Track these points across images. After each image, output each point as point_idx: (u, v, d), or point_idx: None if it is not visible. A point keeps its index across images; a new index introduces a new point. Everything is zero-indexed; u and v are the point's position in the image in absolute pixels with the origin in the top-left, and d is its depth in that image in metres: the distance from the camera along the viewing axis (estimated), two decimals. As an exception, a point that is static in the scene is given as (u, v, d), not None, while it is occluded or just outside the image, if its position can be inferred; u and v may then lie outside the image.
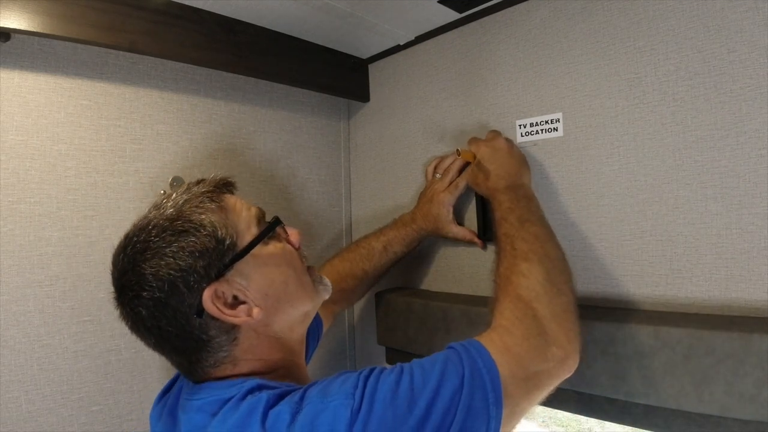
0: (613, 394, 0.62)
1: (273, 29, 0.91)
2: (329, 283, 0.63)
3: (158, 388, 0.81)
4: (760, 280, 0.59)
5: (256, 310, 0.52)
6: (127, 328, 0.53)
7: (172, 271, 0.49)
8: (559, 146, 0.77)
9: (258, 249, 0.54)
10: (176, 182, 0.85)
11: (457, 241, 0.88)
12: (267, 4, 0.81)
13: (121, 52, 0.79)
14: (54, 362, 0.72)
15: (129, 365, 0.79)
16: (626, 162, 0.70)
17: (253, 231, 0.55)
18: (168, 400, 0.61)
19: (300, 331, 0.60)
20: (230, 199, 0.57)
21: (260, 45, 0.89)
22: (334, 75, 1.03)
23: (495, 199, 0.71)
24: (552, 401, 0.69)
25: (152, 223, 0.51)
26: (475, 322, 0.76)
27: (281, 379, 0.53)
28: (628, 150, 0.70)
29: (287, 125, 1.03)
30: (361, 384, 0.45)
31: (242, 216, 0.56)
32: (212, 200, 0.54)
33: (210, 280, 0.50)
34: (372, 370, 0.47)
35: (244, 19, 0.86)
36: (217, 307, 0.50)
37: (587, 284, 0.73)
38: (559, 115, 0.77)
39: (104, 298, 0.77)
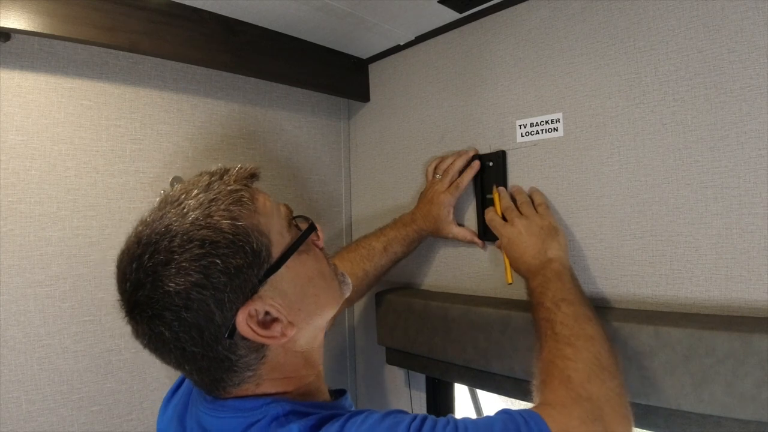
0: (613, 394, 0.61)
1: (273, 29, 0.91)
2: (349, 281, 0.60)
3: (158, 388, 0.82)
4: (760, 280, 0.59)
5: (290, 329, 0.48)
6: (134, 338, 0.48)
7: (203, 290, 0.43)
8: (559, 146, 0.77)
9: (292, 259, 0.49)
10: (176, 182, 0.85)
11: (457, 241, 0.88)
12: (267, 4, 0.81)
13: (121, 52, 0.79)
14: (54, 362, 0.72)
15: (129, 365, 0.79)
16: (626, 162, 0.70)
17: (285, 237, 0.50)
18: (175, 402, 0.59)
19: (321, 339, 0.56)
20: (260, 199, 0.50)
21: (260, 45, 0.89)
22: (334, 75, 1.03)
23: (528, 287, 0.68)
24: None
25: (174, 229, 0.44)
26: (475, 322, 0.76)
27: (303, 396, 0.51)
28: (628, 150, 0.70)
29: (287, 125, 1.03)
30: None
31: (274, 219, 0.50)
32: (242, 202, 0.47)
33: (245, 299, 0.45)
34: (424, 420, 0.44)
35: (244, 19, 0.86)
36: (252, 328, 0.45)
37: (587, 284, 0.73)
38: (559, 115, 0.77)
39: (104, 298, 0.77)
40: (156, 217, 0.47)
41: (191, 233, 0.44)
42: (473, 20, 0.88)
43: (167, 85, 0.86)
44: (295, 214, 0.55)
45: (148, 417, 0.81)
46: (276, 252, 0.48)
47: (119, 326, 0.78)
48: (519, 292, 0.82)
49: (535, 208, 0.75)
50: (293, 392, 0.51)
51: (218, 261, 0.43)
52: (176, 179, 0.85)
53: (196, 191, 0.47)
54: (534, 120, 0.80)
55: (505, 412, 0.47)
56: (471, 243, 0.86)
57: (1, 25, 0.64)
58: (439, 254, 0.95)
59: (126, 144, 0.81)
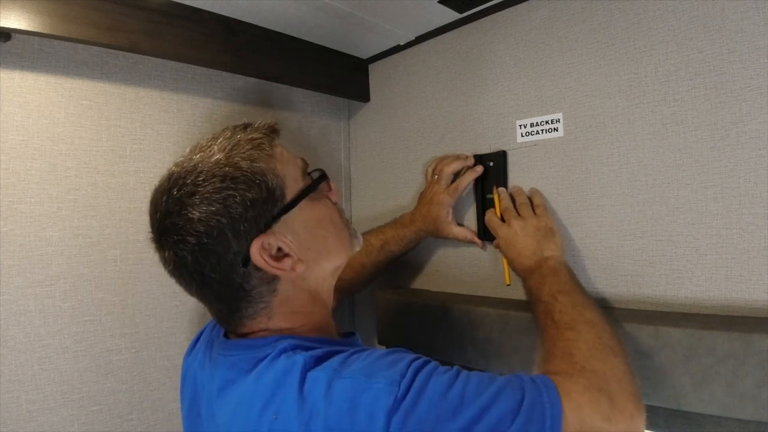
0: (613, 394, 0.61)
1: (273, 29, 0.91)
2: (361, 238, 0.64)
3: (158, 388, 0.82)
4: (760, 280, 0.59)
5: (299, 264, 0.53)
6: (161, 264, 0.54)
7: (222, 219, 0.48)
8: (559, 146, 0.77)
9: (304, 202, 0.54)
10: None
11: (457, 241, 0.88)
12: (267, 4, 0.81)
13: (121, 52, 0.79)
14: (54, 362, 0.72)
15: (129, 365, 0.80)
16: (626, 162, 0.70)
17: (299, 183, 0.55)
18: (199, 352, 0.63)
19: (330, 283, 0.60)
20: (277, 147, 0.56)
21: (260, 45, 0.89)
22: (334, 75, 1.03)
23: (525, 287, 0.70)
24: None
25: (199, 167, 0.50)
26: (475, 322, 0.76)
27: (312, 332, 0.54)
28: (628, 150, 0.70)
29: (287, 125, 1.03)
30: (410, 374, 0.43)
31: (289, 166, 0.55)
32: (261, 148, 0.53)
33: (259, 231, 0.50)
34: (425, 362, 0.46)
35: (244, 19, 0.86)
36: (264, 259, 0.50)
37: (587, 284, 0.73)
38: (559, 115, 0.77)
39: (104, 298, 0.77)
40: (185, 159, 0.53)
41: (214, 170, 0.50)
42: (473, 20, 0.88)
43: (167, 85, 0.86)
44: (310, 169, 0.60)
45: (148, 417, 0.81)
46: (290, 194, 0.53)
47: (119, 326, 0.79)
48: (518, 292, 0.82)
49: (533, 209, 0.76)
50: (303, 327, 0.55)
51: (236, 194, 0.49)
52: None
53: (221, 139, 0.53)
54: (534, 120, 0.80)
55: (515, 375, 0.47)
56: (471, 243, 0.86)
57: (1, 25, 0.64)
58: (439, 254, 0.95)
59: (126, 144, 0.81)
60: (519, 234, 0.72)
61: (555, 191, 0.78)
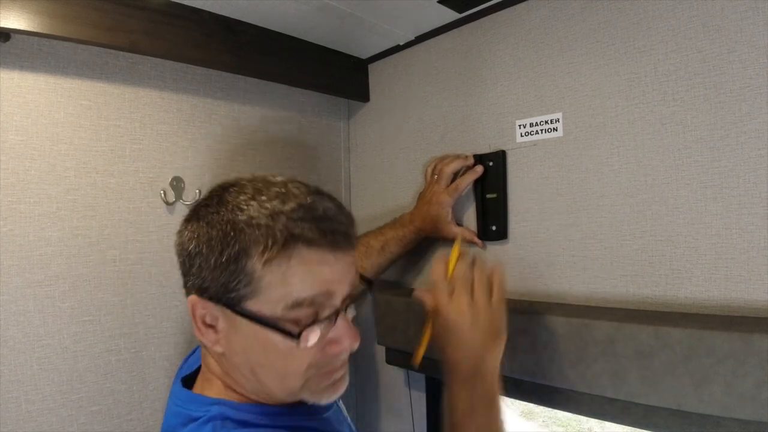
0: (613, 394, 0.61)
1: (273, 29, 0.91)
2: (329, 397, 0.50)
3: (158, 388, 0.82)
4: (760, 280, 0.59)
5: (218, 347, 0.48)
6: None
7: (188, 255, 0.48)
8: (559, 146, 0.77)
9: (265, 329, 0.45)
10: (176, 182, 0.85)
11: (457, 241, 0.88)
12: (267, 4, 0.81)
13: (121, 52, 0.79)
14: (54, 362, 0.72)
15: (129, 365, 0.79)
16: (626, 162, 0.70)
17: (280, 310, 0.45)
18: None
19: (270, 393, 0.50)
20: (299, 255, 0.45)
21: (260, 45, 0.89)
22: (334, 75, 1.03)
23: (449, 387, 0.58)
24: (552, 401, 0.69)
25: (224, 209, 0.46)
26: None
27: (254, 396, 0.50)
28: (628, 150, 0.70)
29: (287, 125, 1.03)
30: None
31: (287, 287, 0.44)
32: (271, 249, 0.44)
33: (201, 295, 0.47)
34: None
35: (244, 19, 0.86)
36: (195, 314, 0.48)
37: (587, 284, 0.73)
38: (559, 115, 0.77)
39: (104, 298, 0.77)
40: (238, 189, 0.49)
41: (219, 222, 0.46)
42: (473, 20, 0.88)
43: (167, 85, 0.86)
44: (350, 308, 0.50)
45: (147, 417, 0.81)
46: (253, 304, 0.45)
47: (119, 326, 0.79)
48: (518, 293, 0.82)
49: (491, 294, 0.61)
50: (243, 388, 0.50)
51: (205, 255, 0.46)
52: (176, 179, 0.85)
53: (269, 206, 0.46)
54: (534, 120, 0.80)
55: None
56: (471, 243, 0.86)
57: (1, 25, 0.64)
58: (439, 254, 0.95)
59: (126, 144, 0.81)
60: (467, 323, 0.58)
61: (555, 191, 0.78)
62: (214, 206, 0.48)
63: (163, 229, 0.84)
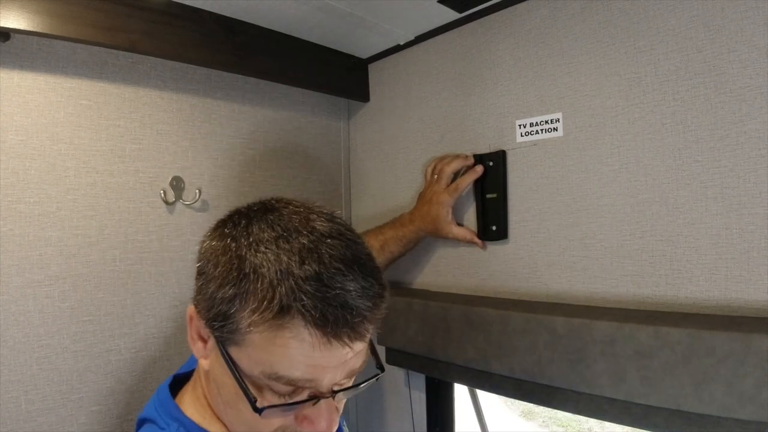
0: (613, 394, 0.61)
1: (273, 29, 0.91)
2: None
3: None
4: (760, 280, 0.59)
5: (204, 362, 0.48)
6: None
7: (200, 267, 0.46)
8: (559, 146, 0.77)
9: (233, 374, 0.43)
10: (176, 182, 0.85)
11: (457, 241, 0.88)
12: (267, 4, 0.81)
13: (121, 52, 0.79)
14: (53, 362, 0.72)
15: (129, 365, 0.79)
16: (626, 162, 0.70)
17: (256, 372, 0.42)
18: None
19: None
20: (293, 333, 0.40)
21: (260, 45, 0.89)
22: (334, 75, 1.03)
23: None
24: (552, 401, 0.69)
25: (246, 239, 0.43)
26: (475, 322, 0.76)
27: (216, 421, 0.48)
28: (628, 150, 0.70)
29: (287, 125, 1.03)
30: None
31: (269, 358, 0.41)
32: (264, 312, 0.40)
33: (198, 311, 0.46)
34: None
35: (244, 19, 0.86)
36: (192, 322, 0.47)
37: (587, 284, 0.73)
38: (559, 115, 0.77)
39: (104, 298, 0.77)
40: (267, 221, 0.44)
41: (235, 252, 0.42)
42: (473, 20, 0.88)
43: (167, 85, 0.86)
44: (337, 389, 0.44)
45: (147, 417, 0.81)
46: (235, 352, 0.42)
47: (119, 326, 0.79)
48: (518, 293, 0.82)
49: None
50: (209, 411, 0.49)
51: (207, 280, 0.44)
52: (176, 179, 0.85)
53: (287, 261, 0.40)
54: (534, 120, 0.80)
55: None
56: (471, 243, 0.86)
57: (1, 25, 0.64)
58: (439, 254, 0.95)
59: (126, 144, 0.81)
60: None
61: (555, 191, 0.78)
62: (241, 229, 0.44)
63: (163, 229, 0.84)
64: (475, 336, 0.76)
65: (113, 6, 0.72)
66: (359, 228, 0.68)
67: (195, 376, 0.54)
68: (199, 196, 0.86)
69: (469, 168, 0.85)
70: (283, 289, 0.39)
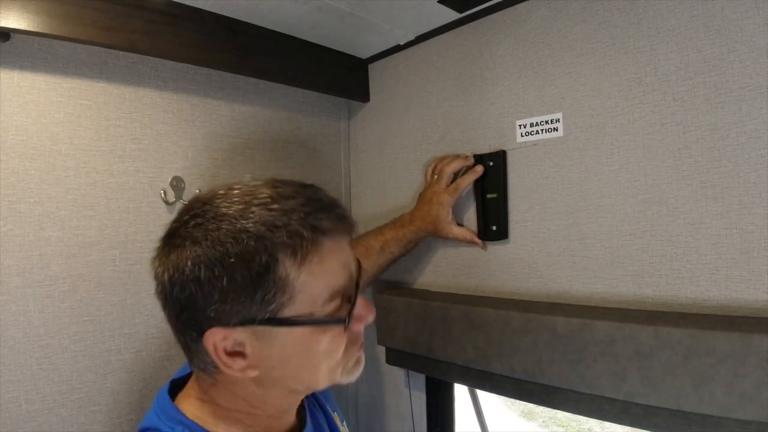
0: (613, 394, 0.61)
1: (273, 29, 0.91)
2: (358, 372, 0.52)
3: (158, 388, 0.81)
4: (760, 280, 0.59)
5: (250, 371, 0.45)
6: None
7: (197, 290, 0.42)
8: (559, 146, 0.77)
9: (306, 329, 0.45)
10: (176, 182, 0.85)
11: (457, 241, 0.88)
12: (267, 4, 0.81)
13: (121, 52, 0.79)
14: (54, 362, 0.72)
15: (129, 365, 0.79)
16: (626, 162, 0.70)
17: (315, 305, 0.44)
18: None
19: (286, 399, 0.52)
20: (321, 252, 0.44)
21: (260, 45, 0.89)
22: (334, 75, 1.03)
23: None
24: (552, 401, 0.70)
25: (225, 222, 0.42)
26: (475, 322, 0.76)
27: (234, 424, 0.49)
28: (628, 150, 0.70)
29: (287, 125, 1.03)
30: None
31: (320, 281, 0.44)
32: (296, 252, 0.42)
33: (224, 325, 0.43)
34: None
35: (244, 19, 0.86)
36: (216, 348, 0.43)
37: (587, 284, 0.73)
38: (559, 115, 0.77)
39: (104, 298, 0.77)
40: (222, 194, 0.45)
41: (228, 237, 0.42)
42: (473, 20, 0.88)
43: (167, 85, 0.86)
44: (360, 287, 0.49)
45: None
46: (290, 311, 0.44)
47: (119, 326, 0.79)
48: (518, 293, 0.82)
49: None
50: (224, 422, 0.49)
51: (224, 280, 0.42)
52: (176, 179, 0.85)
53: (277, 206, 0.43)
54: (534, 120, 0.80)
55: None
56: (471, 243, 0.86)
57: (1, 25, 0.64)
58: (439, 254, 0.95)
59: (126, 144, 0.81)
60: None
61: (555, 191, 0.78)
62: (209, 222, 0.43)
63: (163, 229, 0.84)
64: (475, 336, 0.76)
65: (113, 6, 0.72)
66: (360, 229, 0.68)
67: (197, 386, 0.51)
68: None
69: (470, 168, 0.85)
70: (298, 222, 0.43)
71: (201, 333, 0.44)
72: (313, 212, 0.44)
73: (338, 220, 0.46)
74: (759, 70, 0.59)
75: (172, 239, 0.45)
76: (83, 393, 0.75)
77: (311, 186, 0.48)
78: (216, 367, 0.45)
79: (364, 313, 0.50)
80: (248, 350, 0.45)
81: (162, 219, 0.84)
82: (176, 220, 0.47)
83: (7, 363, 0.68)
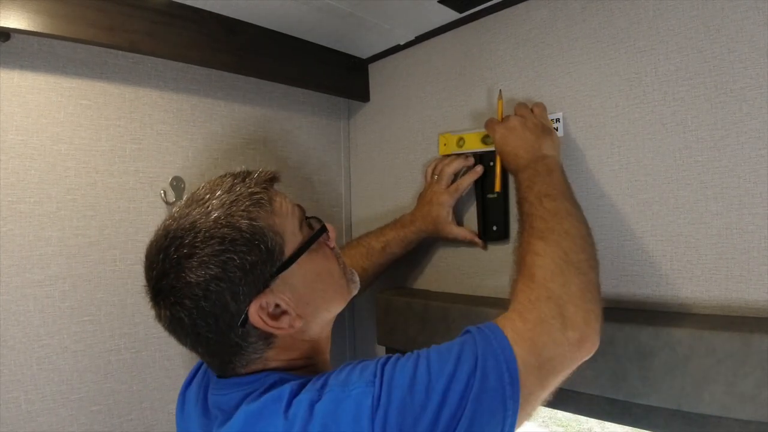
0: (613, 394, 0.61)
1: (273, 29, 0.91)
2: (357, 278, 0.62)
3: (157, 388, 0.82)
4: (760, 280, 0.59)
5: (298, 321, 0.52)
6: (156, 321, 0.53)
7: (220, 283, 0.47)
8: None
9: (303, 257, 0.53)
10: (176, 182, 0.85)
11: (457, 241, 0.88)
12: (267, 4, 0.81)
13: (121, 52, 0.79)
14: (54, 362, 0.72)
15: (129, 365, 0.79)
16: (626, 162, 0.70)
17: (297, 237, 0.54)
18: (195, 389, 0.62)
19: (329, 329, 0.60)
20: (277, 200, 0.54)
21: (260, 45, 0.89)
22: (334, 75, 1.03)
23: (516, 181, 0.69)
24: (552, 401, 0.69)
25: (198, 225, 0.49)
26: (475, 322, 0.75)
27: (305, 374, 0.53)
28: (628, 150, 0.70)
29: (287, 125, 1.03)
30: (379, 371, 0.45)
31: (288, 219, 0.54)
32: (261, 204, 0.51)
33: (257, 292, 0.49)
34: (389, 358, 0.47)
35: (244, 19, 0.86)
36: (262, 319, 0.49)
37: (587, 284, 0.73)
38: (559, 115, 0.77)
39: (104, 298, 0.77)
40: (183, 213, 0.51)
41: (213, 231, 0.48)
42: (473, 20, 0.88)
43: (167, 85, 0.86)
44: (307, 215, 0.59)
45: (147, 417, 0.81)
46: (288, 250, 0.52)
47: (119, 326, 0.79)
48: (519, 292, 0.81)
49: (531, 110, 0.75)
50: (297, 371, 0.54)
51: (235, 257, 0.48)
52: (176, 179, 0.85)
53: (219, 192, 0.51)
54: (534, 120, 0.80)
55: (465, 330, 0.51)
56: (471, 243, 0.86)
57: (1, 25, 0.63)
58: (439, 254, 0.95)
59: (126, 144, 0.81)
60: (518, 128, 0.71)
61: (555, 191, 0.77)
62: (184, 237, 0.48)
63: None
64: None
65: (114, 6, 0.72)
66: (360, 229, 0.69)
67: (252, 367, 0.53)
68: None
69: (470, 168, 0.85)
70: (245, 190, 0.52)
71: (246, 318, 0.49)
72: (247, 178, 0.53)
73: (267, 178, 0.55)
74: (759, 70, 0.59)
75: (163, 280, 0.49)
76: (83, 393, 0.75)
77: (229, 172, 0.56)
78: (267, 340, 0.51)
79: (327, 225, 0.59)
80: (283, 302, 0.51)
81: (162, 219, 0.84)
82: (151, 265, 0.51)
83: (7, 363, 0.68)
